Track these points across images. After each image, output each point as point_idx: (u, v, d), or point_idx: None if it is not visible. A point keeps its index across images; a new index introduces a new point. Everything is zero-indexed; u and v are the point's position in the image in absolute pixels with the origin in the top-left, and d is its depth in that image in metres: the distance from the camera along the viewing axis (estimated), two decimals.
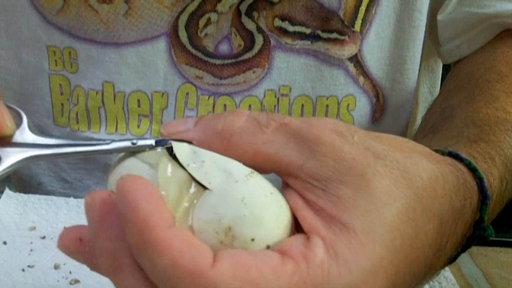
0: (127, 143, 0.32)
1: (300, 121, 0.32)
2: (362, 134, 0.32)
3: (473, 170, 0.36)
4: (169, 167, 0.30)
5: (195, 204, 0.30)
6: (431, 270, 0.33)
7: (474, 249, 0.58)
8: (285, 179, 0.32)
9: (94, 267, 0.32)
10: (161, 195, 0.29)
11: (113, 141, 0.33)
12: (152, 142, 0.32)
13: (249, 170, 0.31)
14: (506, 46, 0.61)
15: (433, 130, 0.49)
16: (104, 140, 0.33)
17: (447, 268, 0.52)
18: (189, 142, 0.33)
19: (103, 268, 0.30)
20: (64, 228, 0.32)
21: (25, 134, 0.34)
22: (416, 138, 0.53)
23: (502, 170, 0.41)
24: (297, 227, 0.31)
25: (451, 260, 0.37)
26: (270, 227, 0.29)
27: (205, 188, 0.30)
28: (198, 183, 0.30)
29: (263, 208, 0.29)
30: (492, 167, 0.40)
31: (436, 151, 0.35)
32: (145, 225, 0.27)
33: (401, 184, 0.30)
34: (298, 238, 0.30)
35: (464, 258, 0.57)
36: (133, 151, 0.32)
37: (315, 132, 0.31)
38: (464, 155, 0.36)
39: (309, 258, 0.28)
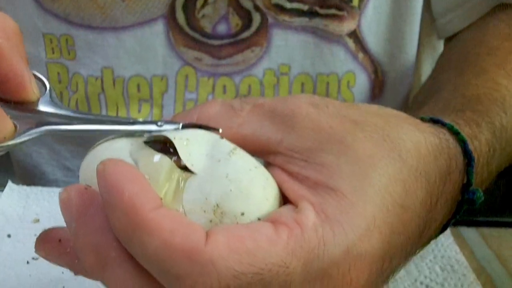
0: (152, 126, 0.31)
1: (274, 99, 0.32)
2: (337, 104, 0.32)
3: (455, 133, 0.35)
4: (149, 155, 0.30)
5: (181, 189, 0.29)
6: (424, 233, 0.33)
7: (487, 231, 0.57)
8: (265, 158, 0.32)
9: (77, 269, 0.30)
10: (145, 177, 0.28)
11: (135, 121, 0.31)
12: (178, 126, 0.31)
13: (232, 146, 0.31)
14: (498, 20, 0.60)
15: (421, 105, 0.49)
16: (127, 119, 0.32)
17: (459, 251, 0.52)
18: (215, 129, 0.32)
19: (88, 266, 0.28)
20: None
21: (47, 103, 0.33)
22: None
23: (489, 137, 0.40)
24: (284, 201, 0.31)
25: (444, 227, 0.36)
26: (258, 199, 0.29)
27: (188, 171, 0.29)
28: (181, 168, 0.30)
29: (249, 181, 0.29)
30: (477, 132, 0.39)
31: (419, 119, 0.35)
32: (132, 207, 0.26)
33: (383, 147, 0.30)
34: (287, 207, 0.29)
35: (476, 240, 0.56)
36: (106, 140, 0.31)
37: (291, 107, 0.31)
38: (447, 121, 0.36)
39: (302, 222, 0.28)
